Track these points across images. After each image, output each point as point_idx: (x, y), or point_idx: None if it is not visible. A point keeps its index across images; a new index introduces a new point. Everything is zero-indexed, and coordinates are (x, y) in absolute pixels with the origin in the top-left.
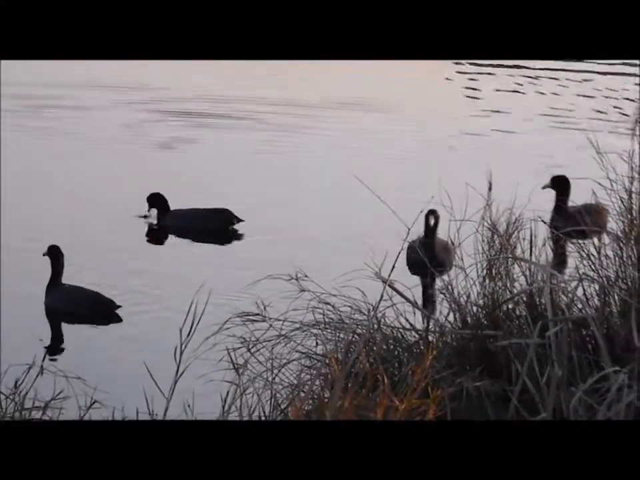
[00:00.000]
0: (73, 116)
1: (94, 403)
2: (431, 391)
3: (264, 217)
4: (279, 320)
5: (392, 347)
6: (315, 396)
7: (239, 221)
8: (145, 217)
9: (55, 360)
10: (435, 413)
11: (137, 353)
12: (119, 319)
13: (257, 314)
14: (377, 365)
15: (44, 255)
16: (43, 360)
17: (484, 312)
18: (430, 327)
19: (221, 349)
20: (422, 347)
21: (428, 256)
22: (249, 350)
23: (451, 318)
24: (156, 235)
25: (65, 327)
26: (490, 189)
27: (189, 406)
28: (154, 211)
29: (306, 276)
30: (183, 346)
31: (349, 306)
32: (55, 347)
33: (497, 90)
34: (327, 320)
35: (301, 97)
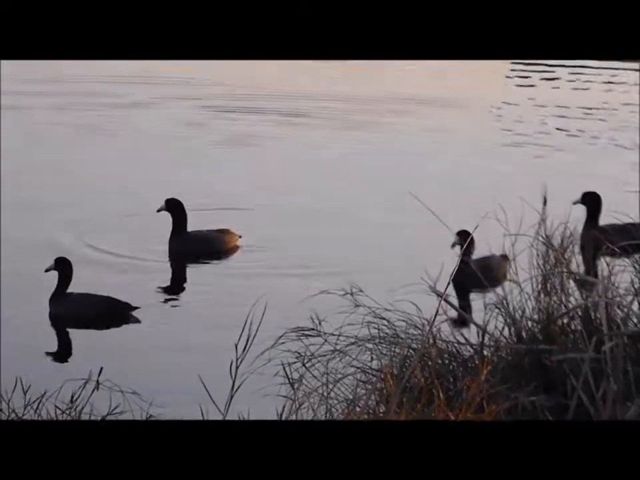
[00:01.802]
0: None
1: (150, 417)
2: (486, 405)
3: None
4: (334, 335)
5: (447, 361)
6: (370, 411)
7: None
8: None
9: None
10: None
11: (193, 366)
12: (136, 321)
13: (312, 329)
14: (432, 379)
15: (46, 270)
16: (99, 375)
17: (539, 326)
18: (485, 341)
19: (276, 363)
20: (477, 362)
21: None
22: (304, 365)
23: (505, 332)
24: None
25: (119, 342)
26: (545, 203)
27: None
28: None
29: (361, 290)
30: (239, 361)
31: (404, 320)
32: (62, 355)
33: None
34: (381, 335)
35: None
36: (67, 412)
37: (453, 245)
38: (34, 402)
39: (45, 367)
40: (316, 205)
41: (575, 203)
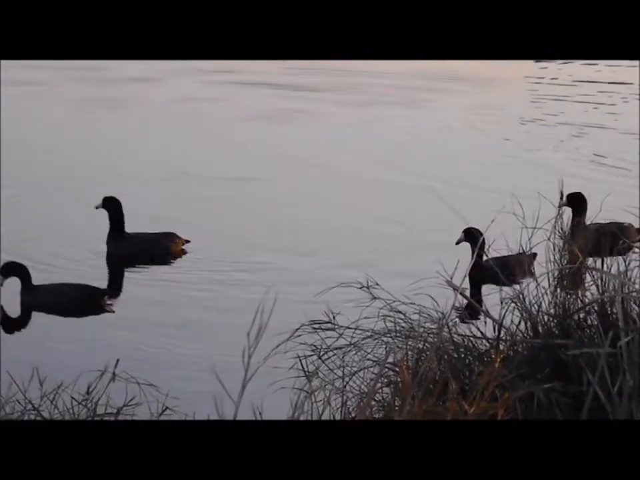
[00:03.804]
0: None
1: (165, 409)
2: (500, 395)
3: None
4: (350, 328)
5: (463, 355)
6: (385, 404)
7: (186, 242)
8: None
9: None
10: (504, 417)
11: (208, 357)
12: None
13: (328, 322)
14: (447, 373)
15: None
16: (115, 366)
17: (555, 321)
18: (501, 335)
19: (292, 356)
20: (493, 356)
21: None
22: (319, 357)
23: (522, 327)
24: None
25: (138, 337)
26: (562, 197)
27: (260, 413)
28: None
29: (377, 284)
30: (251, 350)
31: (419, 313)
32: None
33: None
34: (397, 328)
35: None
36: (83, 403)
37: (458, 242)
38: (50, 393)
39: (62, 357)
40: (336, 187)
41: (560, 206)
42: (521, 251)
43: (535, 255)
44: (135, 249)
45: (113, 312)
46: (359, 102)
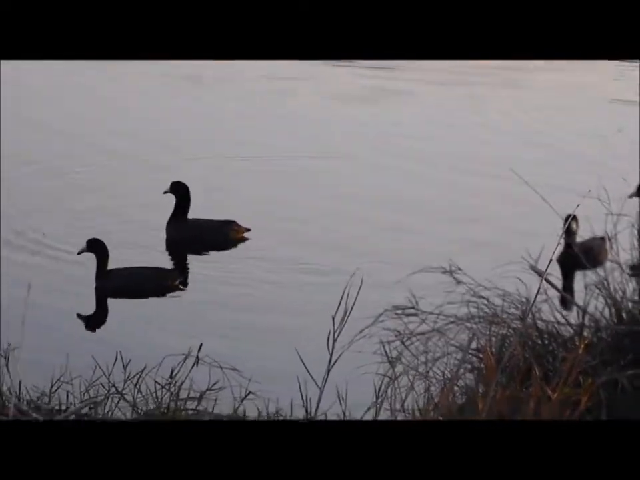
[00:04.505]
0: None
1: (248, 394)
2: (583, 382)
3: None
4: (433, 314)
5: (546, 341)
6: (468, 389)
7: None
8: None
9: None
10: (587, 403)
11: (292, 342)
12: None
13: (412, 307)
14: (531, 359)
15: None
16: (199, 351)
17: None
18: (585, 322)
19: (375, 341)
20: (576, 343)
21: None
22: (403, 343)
23: (606, 313)
24: None
25: (217, 320)
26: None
27: (342, 398)
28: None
29: (459, 269)
30: (336, 334)
31: (502, 298)
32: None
33: None
34: (481, 314)
35: None
36: (167, 387)
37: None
38: (134, 376)
39: (146, 341)
40: (419, 168)
41: (631, 196)
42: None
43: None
44: (194, 235)
45: (183, 290)
46: (453, 81)
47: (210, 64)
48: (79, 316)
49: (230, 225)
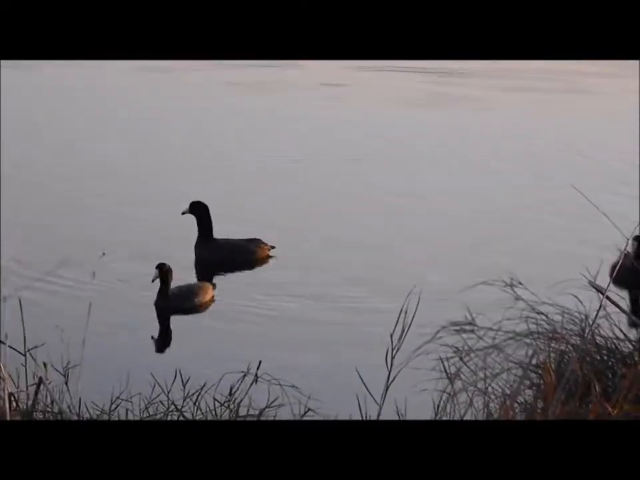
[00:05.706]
0: None
1: (308, 411)
2: None
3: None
4: (492, 329)
5: (605, 357)
6: (528, 406)
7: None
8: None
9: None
10: None
11: (349, 358)
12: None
13: (469, 323)
14: (590, 375)
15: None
16: (258, 368)
17: None
18: None
19: (433, 358)
20: (636, 358)
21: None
22: (461, 359)
23: None
24: None
25: (277, 336)
26: None
27: (401, 415)
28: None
29: (520, 283)
30: (394, 351)
31: (561, 314)
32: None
33: None
34: (540, 330)
35: None
36: (226, 404)
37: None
38: (193, 394)
39: (205, 358)
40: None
41: None
42: None
43: None
44: (224, 255)
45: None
46: (515, 87)
47: (266, 71)
48: (153, 338)
49: (256, 242)
